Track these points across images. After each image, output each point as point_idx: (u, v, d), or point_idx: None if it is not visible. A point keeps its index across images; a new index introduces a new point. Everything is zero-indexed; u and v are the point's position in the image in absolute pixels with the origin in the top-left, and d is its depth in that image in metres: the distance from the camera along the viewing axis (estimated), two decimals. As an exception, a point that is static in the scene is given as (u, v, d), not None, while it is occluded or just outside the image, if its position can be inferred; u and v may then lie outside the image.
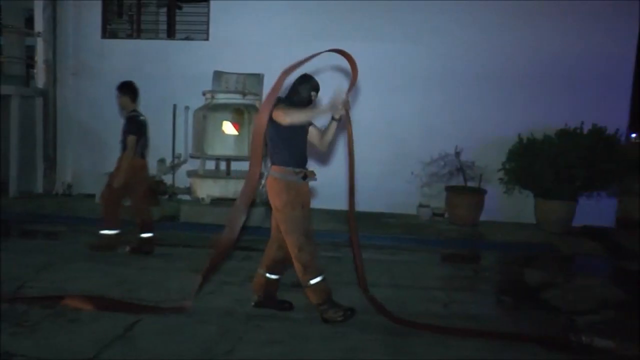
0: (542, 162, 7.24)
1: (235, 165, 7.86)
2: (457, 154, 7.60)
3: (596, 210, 7.80)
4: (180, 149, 8.27)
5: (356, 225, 4.29)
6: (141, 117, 5.62)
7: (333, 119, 3.93)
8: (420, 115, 7.85)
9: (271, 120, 3.78)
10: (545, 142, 7.45)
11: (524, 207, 7.79)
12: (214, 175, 7.71)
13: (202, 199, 7.38)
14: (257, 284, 4.16)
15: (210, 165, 8.04)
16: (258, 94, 7.76)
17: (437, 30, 8.06)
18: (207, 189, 7.40)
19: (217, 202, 7.40)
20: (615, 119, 7.64)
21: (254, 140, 3.84)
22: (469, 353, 3.54)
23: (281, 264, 4.13)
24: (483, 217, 7.62)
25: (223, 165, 7.84)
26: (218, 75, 7.83)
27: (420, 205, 7.69)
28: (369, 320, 3.95)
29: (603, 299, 4.91)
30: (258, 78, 7.89)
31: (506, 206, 7.99)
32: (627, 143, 8.30)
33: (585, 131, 7.41)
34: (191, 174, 7.68)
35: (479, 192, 7.58)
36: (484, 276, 5.64)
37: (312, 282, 3.88)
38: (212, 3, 8.48)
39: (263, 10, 8.34)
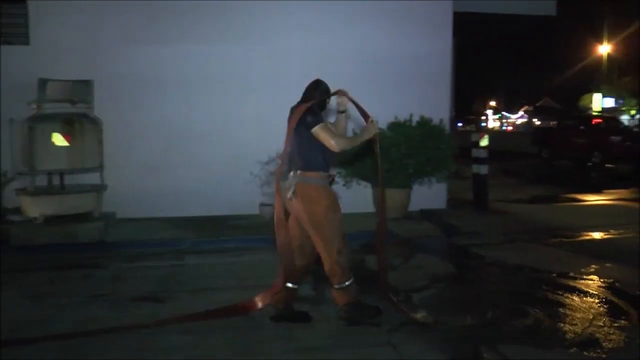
0: (377, 154, 7.72)
1: (69, 179, 7.37)
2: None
3: (429, 194, 8.52)
4: (6, 166, 7.53)
5: (384, 231, 4.39)
6: None
7: (340, 111, 4.14)
8: (256, 116, 7.98)
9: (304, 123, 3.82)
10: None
11: (364, 197, 8.21)
12: (47, 191, 7.15)
13: (35, 218, 6.82)
14: (278, 295, 4.04)
15: (42, 180, 7.46)
16: (89, 102, 7.34)
17: (270, 32, 8.21)
18: (39, 207, 6.84)
19: (52, 220, 6.88)
20: (439, 111, 8.43)
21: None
22: (312, 343, 3.69)
23: (303, 272, 4.13)
24: (326, 211, 7.92)
25: (57, 180, 7.30)
26: (43, 82, 7.25)
27: (262, 204, 7.79)
28: (216, 322, 3.98)
29: (436, 274, 5.39)
30: (87, 85, 7.44)
31: (346, 198, 8.21)
32: (452, 131, 9.17)
33: (414, 123, 8.06)
34: (20, 192, 7.06)
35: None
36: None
37: (347, 283, 3.90)
38: (30, 3, 7.77)
39: (90, 11, 7.82)
